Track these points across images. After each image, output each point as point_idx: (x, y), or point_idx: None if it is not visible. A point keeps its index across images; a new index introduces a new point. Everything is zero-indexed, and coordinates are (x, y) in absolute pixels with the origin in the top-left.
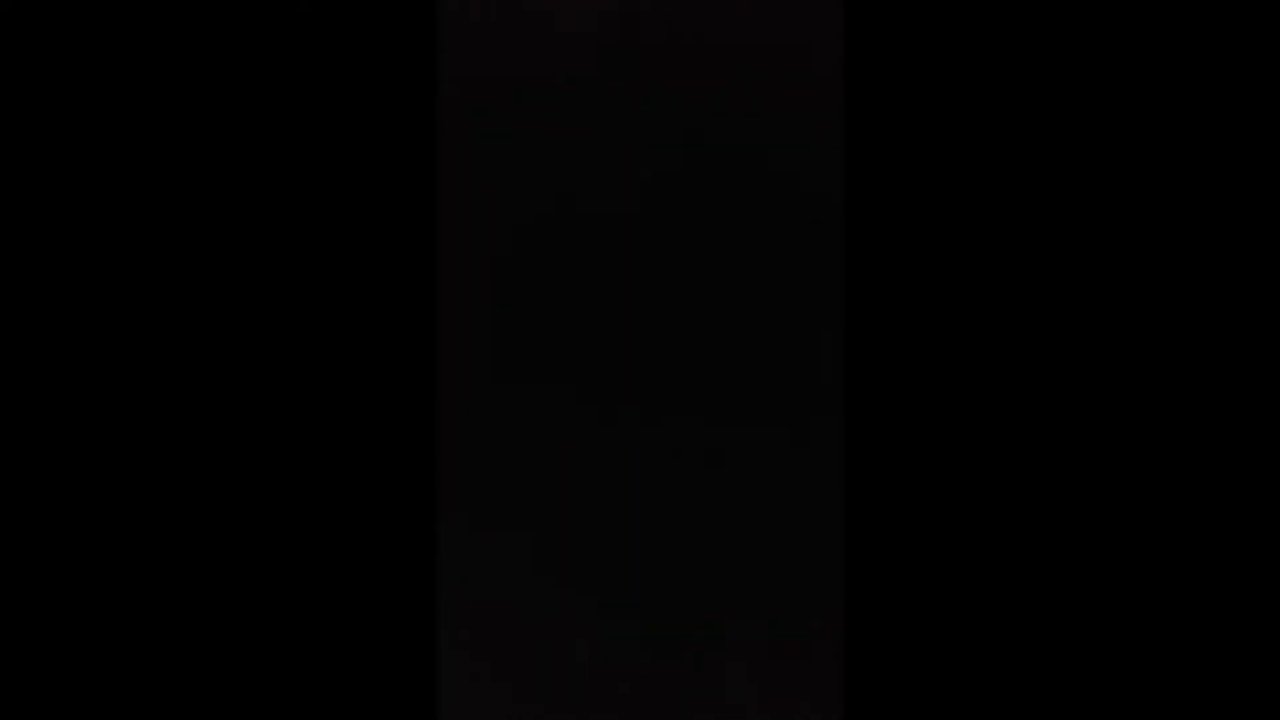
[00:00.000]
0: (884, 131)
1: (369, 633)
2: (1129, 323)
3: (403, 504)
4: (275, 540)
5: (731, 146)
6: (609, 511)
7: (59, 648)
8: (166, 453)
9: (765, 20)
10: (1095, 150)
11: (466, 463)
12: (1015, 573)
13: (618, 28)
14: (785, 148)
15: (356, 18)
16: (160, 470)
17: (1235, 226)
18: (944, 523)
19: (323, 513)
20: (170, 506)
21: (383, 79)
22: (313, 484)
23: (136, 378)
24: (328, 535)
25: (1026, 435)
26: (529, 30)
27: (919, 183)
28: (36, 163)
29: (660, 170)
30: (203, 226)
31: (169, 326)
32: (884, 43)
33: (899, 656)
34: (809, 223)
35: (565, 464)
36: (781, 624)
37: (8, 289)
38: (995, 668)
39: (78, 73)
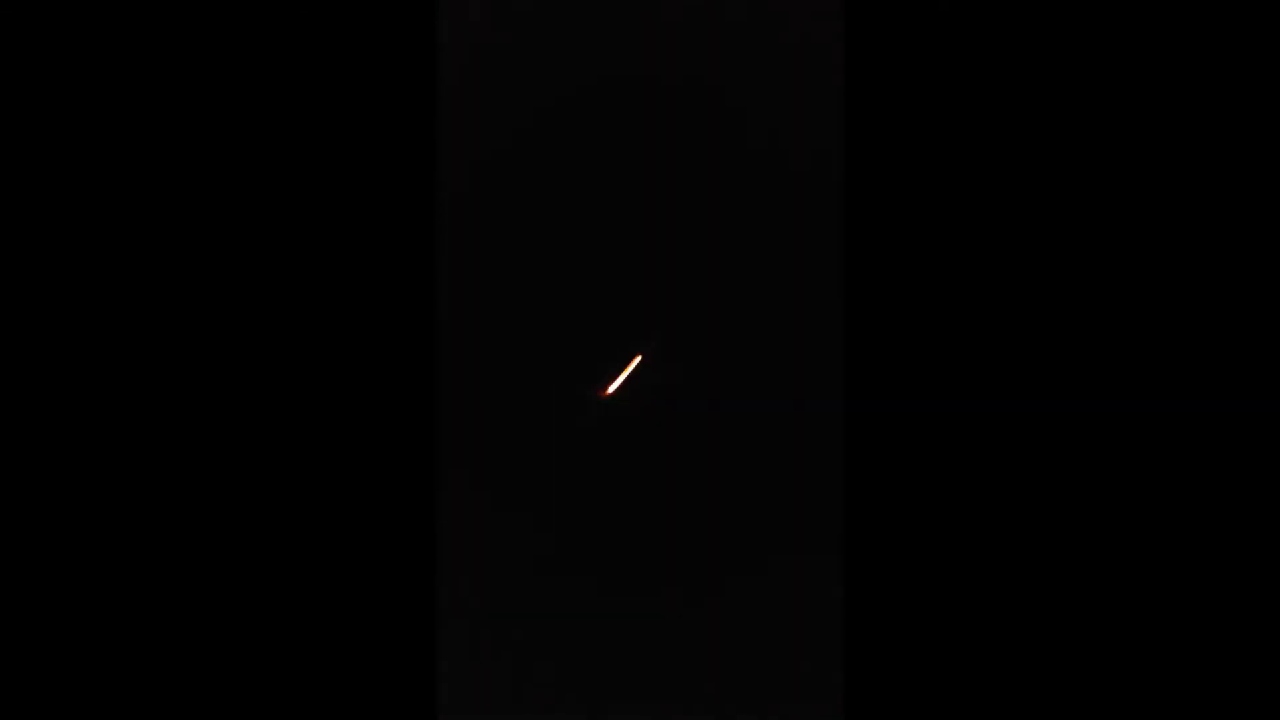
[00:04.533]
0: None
1: (369, 633)
2: (1127, 320)
3: (403, 505)
4: (275, 540)
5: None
6: (605, 505)
7: (59, 647)
8: (167, 452)
9: (766, 12)
10: (1096, 151)
11: (466, 460)
12: (1015, 578)
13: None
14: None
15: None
16: (160, 470)
17: (1234, 223)
18: (943, 529)
19: (323, 511)
20: (170, 507)
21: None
22: (313, 482)
23: (136, 377)
24: (328, 534)
25: (1027, 437)
26: (527, 22)
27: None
28: (36, 163)
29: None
30: (198, 208)
31: (169, 325)
32: (884, 40)
33: (898, 657)
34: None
35: (560, 456)
36: (781, 623)
37: (9, 289)
38: (994, 670)
39: (78, 75)
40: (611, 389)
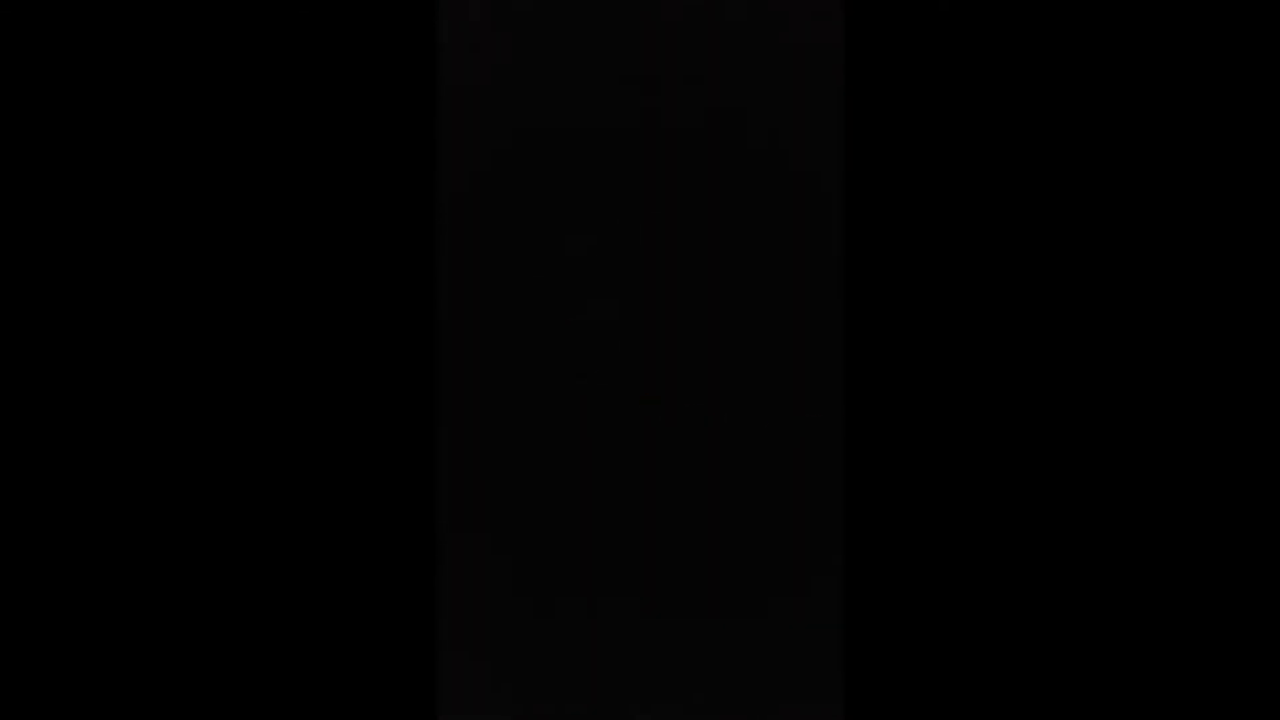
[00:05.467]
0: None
1: (369, 634)
2: (1129, 321)
3: (403, 505)
4: (275, 540)
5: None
6: (606, 503)
7: (58, 648)
8: (166, 452)
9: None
10: (1099, 150)
11: (468, 464)
12: (1017, 576)
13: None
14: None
15: None
16: (160, 470)
17: (1235, 225)
18: (943, 527)
19: (323, 511)
20: (170, 506)
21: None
22: (312, 482)
23: (135, 377)
24: (328, 534)
25: (1026, 440)
26: (528, 22)
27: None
28: (35, 163)
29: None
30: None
31: (168, 325)
32: (884, 36)
33: (899, 657)
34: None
35: (561, 460)
36: (781, 623)
37: (8, 289)
38: (995, 670)
39: (77, 73)
40: None
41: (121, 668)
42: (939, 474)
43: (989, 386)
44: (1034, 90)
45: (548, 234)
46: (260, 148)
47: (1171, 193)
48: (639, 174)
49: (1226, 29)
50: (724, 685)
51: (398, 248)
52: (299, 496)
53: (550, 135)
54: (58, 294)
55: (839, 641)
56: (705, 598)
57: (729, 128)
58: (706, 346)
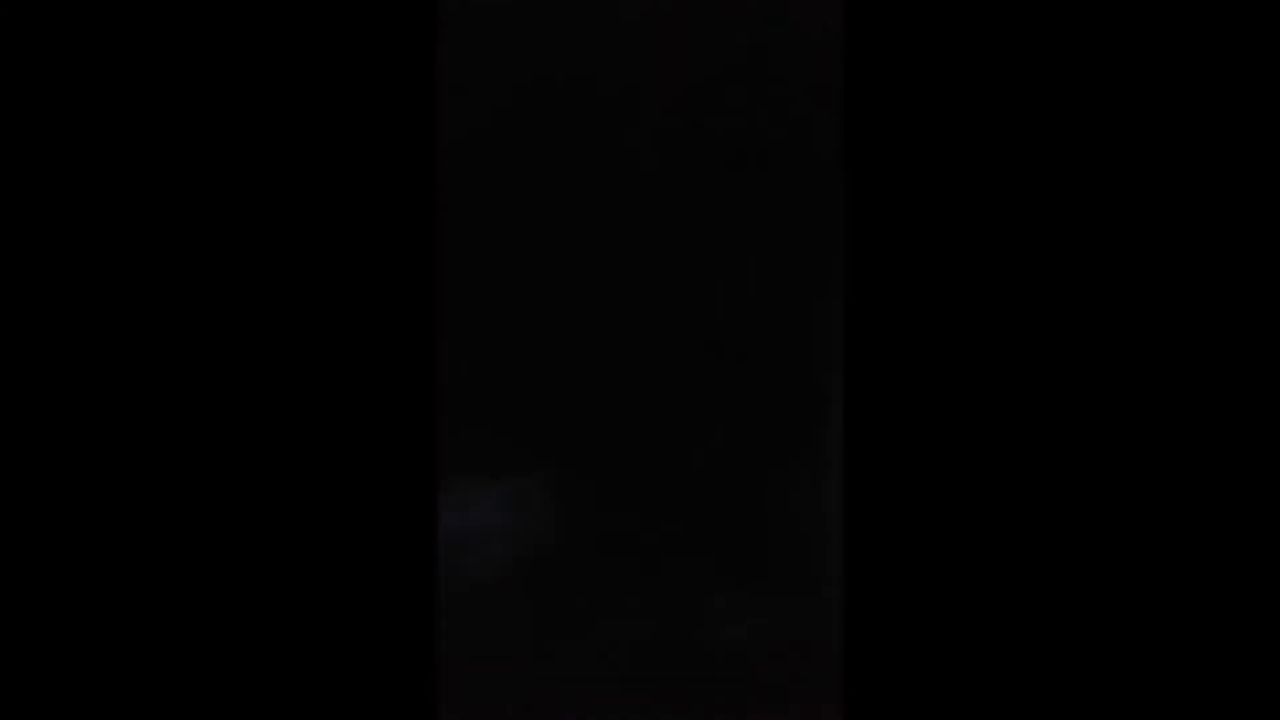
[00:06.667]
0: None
1: (369, 634)
2: (1129, 321)
3: (402, 501)
4: (275, 541)
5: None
6: (605, 502)
7: (58, 648)
8: (165, 452)
9: (766, 13)
10: (1104, 151)
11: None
12: (1017, 570)
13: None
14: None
15: None
16: (159, 470)
17: (1235, 226)
18: (943, 522)
19: (322, 512)
20: (169, 507)
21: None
22: (312, 482)
23: (131, 378)
24: (327, 535)
25: (1027, 437)
26: (529, 25)
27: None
28: (34, 162)
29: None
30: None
31: (164, 324)
32: (884, 39)
33: (899, 647)
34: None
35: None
36: (781, 619)
37: (7, 289)
38: (995, 663)
39: (76, 72)
40: None
41: (122, 668)
42: (939, 470)
43: (990, 378)
44: (1034, 89)
45: (546, 232)
46: (260, 146)
47: (1172, 189)
48: (639, 172)
49: (1227, 25)
50: (724, 686)
51: (397, 244)
52: (299, 497)
53: (548, 133)
54: (56, 292)
55: (839, 641)
56: (705, 599)
57: (729, 127)
58: (705, 345)
